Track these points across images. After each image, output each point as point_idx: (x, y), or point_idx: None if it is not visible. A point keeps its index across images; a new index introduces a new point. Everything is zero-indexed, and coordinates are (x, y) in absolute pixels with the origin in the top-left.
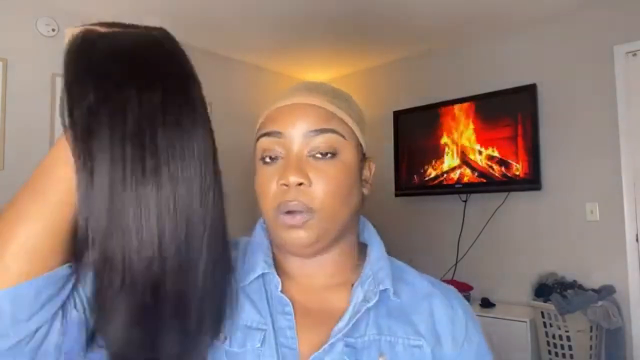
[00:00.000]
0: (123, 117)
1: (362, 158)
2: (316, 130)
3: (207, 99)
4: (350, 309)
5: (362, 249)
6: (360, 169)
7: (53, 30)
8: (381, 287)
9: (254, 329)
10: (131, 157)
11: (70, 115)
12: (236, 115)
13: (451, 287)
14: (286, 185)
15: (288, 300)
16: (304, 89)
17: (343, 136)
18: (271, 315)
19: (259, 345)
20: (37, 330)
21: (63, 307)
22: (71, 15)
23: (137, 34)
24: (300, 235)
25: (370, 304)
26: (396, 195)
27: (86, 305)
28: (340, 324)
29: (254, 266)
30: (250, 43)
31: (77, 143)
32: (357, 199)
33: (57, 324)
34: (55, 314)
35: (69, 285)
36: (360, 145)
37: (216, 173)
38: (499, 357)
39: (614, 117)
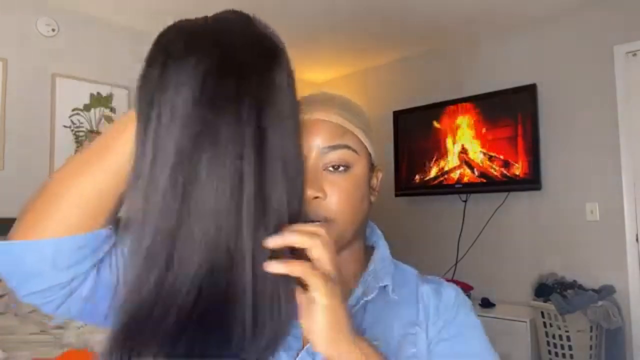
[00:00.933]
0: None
1: (371, 167)
2: (330, 147)
3: None
4: (350, 302)
5: (368, 251)
6: (370, 179)
7: (53, 30)
8: (381, 284)
9: None
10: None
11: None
12: None
13: (443, 280)
14: None
15: None
16: (318, 102)
17: (355, 151)
18: None
19: None
20: (71, 280)
21: (99, 266)
22: (71, 15)
23: (215, 18)
24: None
25: (369, 298)
26: (396, 195)
27: (120, 269)
28: None
29: None
30: None
31: (142, 105)
32: (367, 207)
33: (90, 280)
34: (90, 269)
35: (106, 247)
36: (370, 155)
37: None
38: (499, 357)
39: (614, 117)
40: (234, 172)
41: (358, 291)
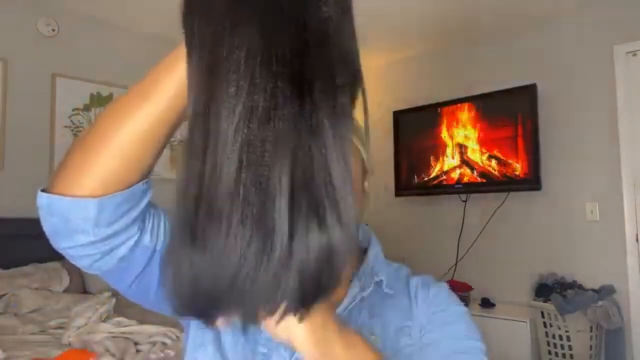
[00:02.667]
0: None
1: (364, 170)
2: None
3: None
4: (347, 300)
5: (359, 253)
6: (362, 182)
7: (53, 30)
8: (376, 279)
9: None
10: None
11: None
12: None
13: (432, 277)
14: None
15: None
16: None
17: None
18: None
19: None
20: (111, 236)
21: (141, 230)
22: (71, 15)
23: None
24: None
25: (366, 293)
26: (396, 195)
27: (162, 236)
28: (338, 311)
29: None
30: None
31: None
32: (361, 207)
33: (132, 239)
34: (131, 225)
35: (145, 201)
36: (363, 159)
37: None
38: (499, 357)
39: (614, 117)
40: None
41: (355, 288)
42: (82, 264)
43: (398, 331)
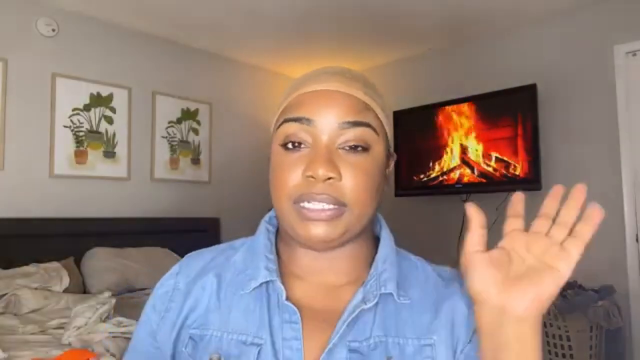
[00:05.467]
0: None
1: (388, 153)
2: (350, 122)
3: (207, 99)
4: (348, 310)
5: (377, 243)
6: (386, 166)
7: (53, 30)
8: (383, 290)
9: (249, 345)
10: None
11: None
12: (236, 115)
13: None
14: (313, 178)
15: (295, 309)
16: (335, 73)
17: (376, 131)
18: (270, 327)
19: None
20: None
21: None
22: (71, 15)
23: None
24: (320, 231)
25: (367, 306)
26: (396, 195)
27: None
28: (337, 326)
29: (255, 273)
30: (250, 43)
31: None
32: (381, 197)
33: None
34: None
35: None
36: (387, 140)
37: None
38: None
39: (614, 117)
40: None
41: (357, 298)
42: None
43: (418, 351)
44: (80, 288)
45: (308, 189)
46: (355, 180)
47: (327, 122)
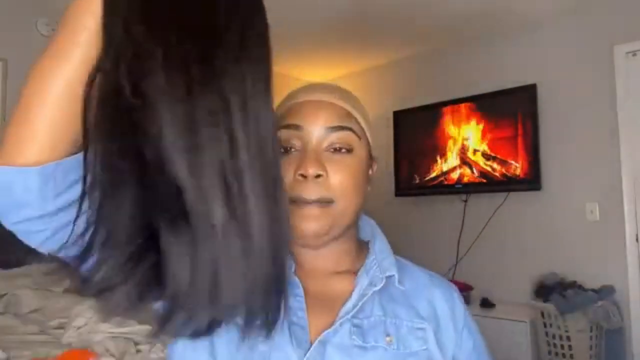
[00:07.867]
0: None
1: (370, 157)
2: (335, 127)
3: None
4: (357, 292)
5: (361, 245)
6: (368, 167)
7: (53, 30)
8: (387, 274)
9: None
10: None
11: None
12: None
13: (451, 284)
14: (304, 177)
15: (299, 282)
16: (321, 87)
17: (357, 135)
18: None
19: None
20: (61, 210)
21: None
22: None
23: None
24: (313, 226)
25: (377, 288)
26: (396, 195)
27: None
28: (348, 305)
29: None
30: None
31: None
32: (365, 195)
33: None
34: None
35: None
36: (369, 144)
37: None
38: (499, 357)
39: (614, 117)
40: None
41: (364, 281)
42: (32, 241)
43: (411, 332)
44: None
45: (300, 189)
46: (340, 176)
47: (315, 128)
